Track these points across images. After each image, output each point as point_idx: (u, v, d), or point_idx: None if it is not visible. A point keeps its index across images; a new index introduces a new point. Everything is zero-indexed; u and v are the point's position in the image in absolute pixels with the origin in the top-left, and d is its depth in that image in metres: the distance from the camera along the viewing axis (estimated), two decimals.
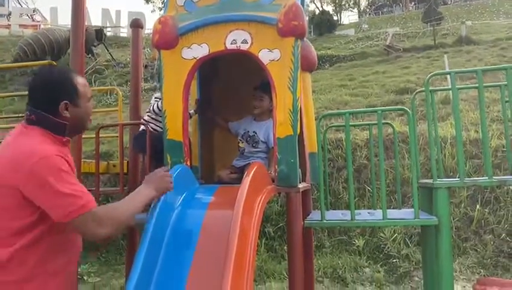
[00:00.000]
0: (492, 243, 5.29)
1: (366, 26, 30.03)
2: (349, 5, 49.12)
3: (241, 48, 2.61)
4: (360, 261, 5.36)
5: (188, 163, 2.71)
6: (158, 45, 2.69)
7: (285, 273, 5.10)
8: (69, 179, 1.70)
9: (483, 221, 5.51)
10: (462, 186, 2.95)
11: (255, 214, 2.18)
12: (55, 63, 3.70)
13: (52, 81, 1.85)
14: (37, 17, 32.34)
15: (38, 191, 1.66)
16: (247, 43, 2.60)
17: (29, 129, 1.80)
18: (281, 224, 5.86)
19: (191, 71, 2.67)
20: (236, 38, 2.61)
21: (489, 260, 5.13)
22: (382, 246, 5.51)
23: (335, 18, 37.57)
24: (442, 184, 2.75)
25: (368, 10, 45.90)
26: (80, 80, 1.93)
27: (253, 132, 3.10)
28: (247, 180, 2.17)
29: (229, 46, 2.63)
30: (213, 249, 2.03)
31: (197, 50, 2.66)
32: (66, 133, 1.87)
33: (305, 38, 2.84)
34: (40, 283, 1.71)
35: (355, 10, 49.41)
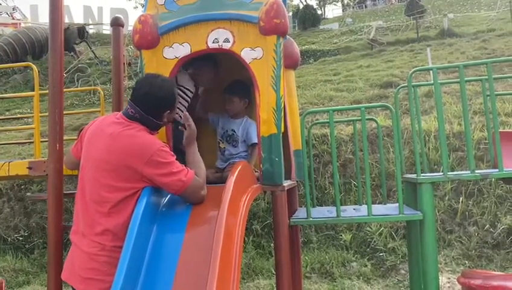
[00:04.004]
0: (476, 234, 5.36)
1: (350, 20, 30.13)
2: None
3: (223, 47, 2.59)
4: (347, 256, 5.40)
5: None
6: (139, 45, 2.65)
7: (273, 270, 5.11)
8: (175, 160, 2.18)
9: (467, 213, 5.58)
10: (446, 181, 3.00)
11: (240, 213, 2.18)
12: (34, 66, 3.62)
13: (163, 96, 2.27)
14: (17, 15, 31.82)
15: (158, 171, 2.11)
16: (229, 42, 2.58)
17: (133, 124, 2.21)
18: (268, 221, 5.86)
19: (173, 71, 2.64)
20: (218, 37, 2.59)
21: (473, 251, 5.20)
22: (369, 240, 5.56)
23: (319, 12, 37.64)
24: (426, 179, 2.77)
25: (351, 4, 46.01)
26: (176, 91, 2.40)
27: (232, 130, 3.11)
28: (231, 180, 2.16)
29: (211, 45, 2.60)
30: (199, 249, 2.03)
31: (178, 49, 2.63)
32: (158, 130, 2.37)
33: (287, 36, 2.83)
34: None
35: (339, 4, 49.51)
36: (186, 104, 2.95)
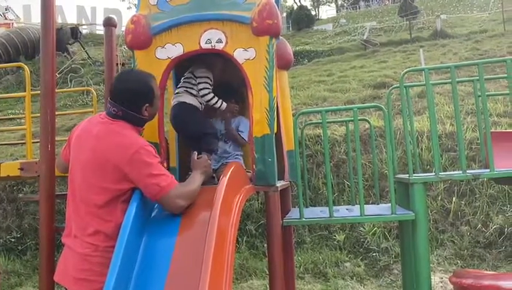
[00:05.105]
0: (468, 234, 5.39)
1: (344, 21, 30.22)
2: None
3: (216, 48, 2.59)
4: (340, 256, 5.41)
5: (165, 164, 2.68)
6: (131, 45, 2.64)
7: (266, 271, 5.10)
8: (157, 163, 2.16)
9: (459, 213, 5.62)
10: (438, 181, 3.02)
11: (233, 214, 2.18)
12: (26, 66, 3.60)
13: (139, 89, 2.25)
14: (10, 15, 31.58)
15: (138, 171, 2.08)
16: (222, 42, 2.58)
17: (118, 122, 2.20)
18: (261, 221, 5.87)
19: (165, 71, 2.64)
20: (211, 38, 2.59)
21: (466, 251, 5.23)
22: (362, 240, 5.57)
23: (313, 13, 37.74)
24: (418, 179, 2.78)
25: (345, 5, 46.14)
26: (155, 85, 2.37)
27: (225, 129, 3.12)
28: (224, 180, 2.16)
29: (204, 46, 2.60)
30: (191, 250, 2.02)
31: (171, 50, 2.62)
32: (143, 125, 2.34)
33: (280, 37, 2.84)
34: None
35: (333, 5, 49.65)
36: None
